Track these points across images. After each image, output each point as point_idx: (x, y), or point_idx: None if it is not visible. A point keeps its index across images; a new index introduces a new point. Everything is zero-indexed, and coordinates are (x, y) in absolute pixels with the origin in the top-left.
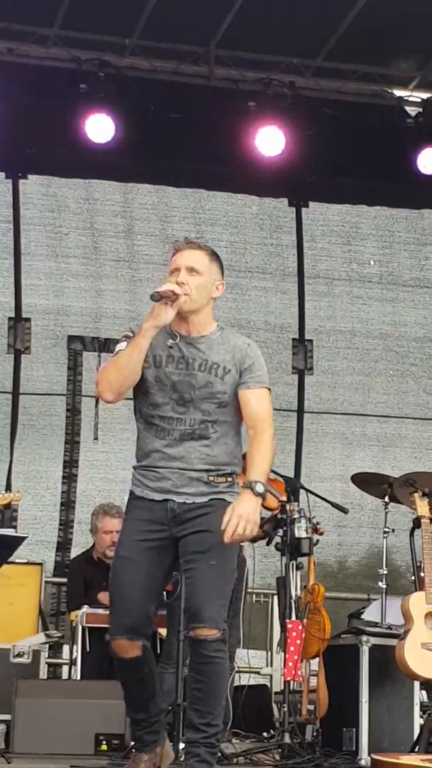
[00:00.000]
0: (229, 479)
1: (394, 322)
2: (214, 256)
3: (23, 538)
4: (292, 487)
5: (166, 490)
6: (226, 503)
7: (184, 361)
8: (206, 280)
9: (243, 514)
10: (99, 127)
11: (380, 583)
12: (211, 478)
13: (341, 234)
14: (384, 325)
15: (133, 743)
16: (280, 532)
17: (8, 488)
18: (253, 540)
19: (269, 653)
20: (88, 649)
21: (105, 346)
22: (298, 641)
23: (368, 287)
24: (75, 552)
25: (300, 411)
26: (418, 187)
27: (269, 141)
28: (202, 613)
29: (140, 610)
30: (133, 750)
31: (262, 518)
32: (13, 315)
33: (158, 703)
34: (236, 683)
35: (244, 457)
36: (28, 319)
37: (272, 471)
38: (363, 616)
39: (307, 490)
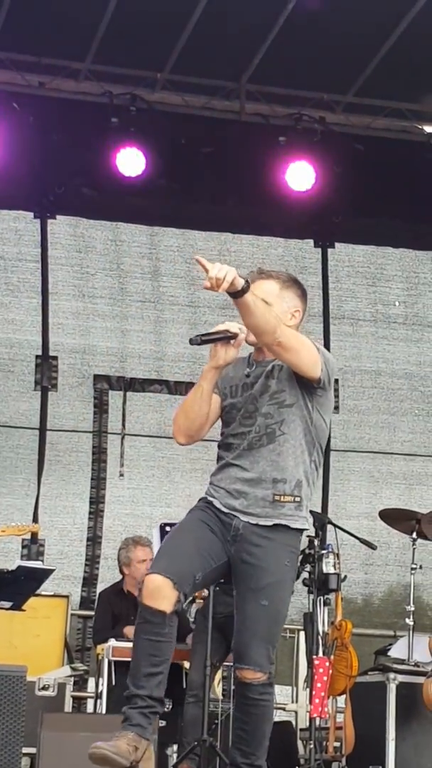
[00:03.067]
0: (297, 499)
1: (419, 362)
2: (290, 282)
3: (51, 571)
4: (321, 522)
5: (233, 508)
6: (289, 532)
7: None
8: (276, 309)
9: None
10: (130, 161)
11: (407, 620)
12: (277, 497)
13: (366, 275)
14: (409, 365)
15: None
16: (308, 567)
17: (35, 522)
18: None
19: (295, 689)
20: (113, 682)
21: (130, 385)
22: (325, 677)
23: (393, 328)
24: (101, 587)
25: (327, 449)
26: None
27: (299, 176)
28: (247, 656)
29: (186, 563)
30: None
31: None
32: (40, 353)
33: (162, 688)
34: None
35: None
36: (55, 357)
37: None
38: (390, 653)
39: (336, 526)
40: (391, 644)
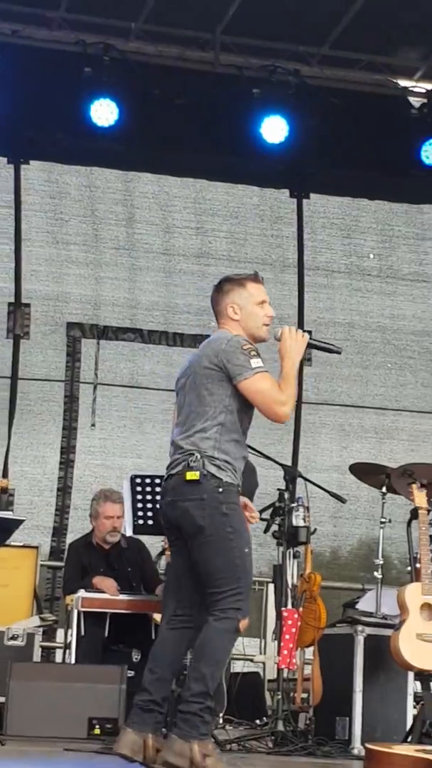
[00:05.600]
0: None
1: (393, 315)
2: None
3: (21, 521)
4: (291, 475)
5: None
6: None
7: None
8: None
9: None
10: (103, 112)
11: (376, 573)
12: None
13: (341, 227)
14: (382, 318)
15: (205, 732)
16: (278, 520)
17: (5, 473)
18: None
19: (263, 641)
20: (82, 633)
21: (104, 333)
22: (294, 629)
23: (367, 280)
24: (71, 538)
25: (298, 402)
26: (417, 183)
27: (273, 129)
28: None
29: None
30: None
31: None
32: (13, 300)
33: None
34: (230, 671)
35: None
36: (27, 305)
37: (270, 459)
38: (357, 606)
39: (306, 479)
40: (359, 597)
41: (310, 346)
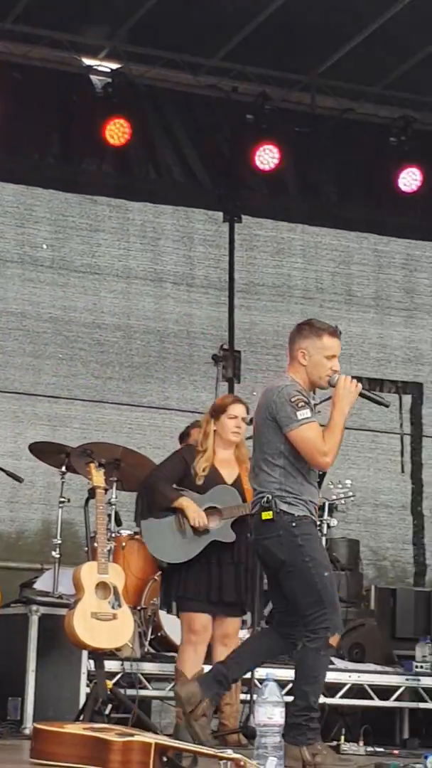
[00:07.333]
0: None
1: (64, 306)
2: None
3: None
4: None
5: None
6: None
7: None
8: None
9: None
10: None
11: (53, 553)
12: None
13: (15, 215)
14: (54, 309)
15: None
16: None
17: None
18: None
19: None
20: None
21: None
22: None
23: (40, 271)
24: None
25: None
26: (93, 171)
27: None
28: None
29: None
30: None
31: None
32: None
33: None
34: None
35: None
36: None
37: None
38: (35, 586)
39: None
40: (37, 577)
41: (361, 395)
